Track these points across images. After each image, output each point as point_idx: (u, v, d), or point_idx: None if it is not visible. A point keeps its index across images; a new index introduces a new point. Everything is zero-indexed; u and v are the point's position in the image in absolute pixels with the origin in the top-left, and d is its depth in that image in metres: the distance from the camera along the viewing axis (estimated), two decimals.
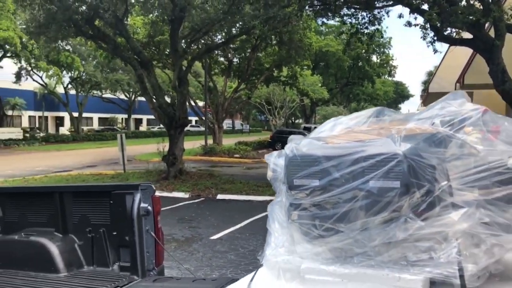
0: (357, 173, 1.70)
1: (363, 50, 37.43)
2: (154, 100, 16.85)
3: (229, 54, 28.83)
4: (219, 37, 23.21)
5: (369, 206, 1.69)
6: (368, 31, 15.99)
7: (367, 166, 1.68)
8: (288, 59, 24.98)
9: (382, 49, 44.48)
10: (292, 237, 1.91)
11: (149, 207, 3.58)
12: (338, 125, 2.08)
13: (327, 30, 50.48)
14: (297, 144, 1.91)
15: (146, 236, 3.60)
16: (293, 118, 67.95)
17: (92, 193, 4.16)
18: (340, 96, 59.02)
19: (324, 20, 19.02)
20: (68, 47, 39.25)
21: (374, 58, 45.01)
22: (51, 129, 59.54)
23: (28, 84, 49.41)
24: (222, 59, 30.56)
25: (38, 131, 51.77)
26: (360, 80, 48.48)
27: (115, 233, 3.71)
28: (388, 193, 1.64)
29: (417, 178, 1.62)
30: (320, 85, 45.19)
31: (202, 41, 21.99)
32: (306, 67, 35.88)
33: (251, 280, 1.94)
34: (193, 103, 31.20)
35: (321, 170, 1.77)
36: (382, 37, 33.70)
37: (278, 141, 31.22)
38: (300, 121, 66.73)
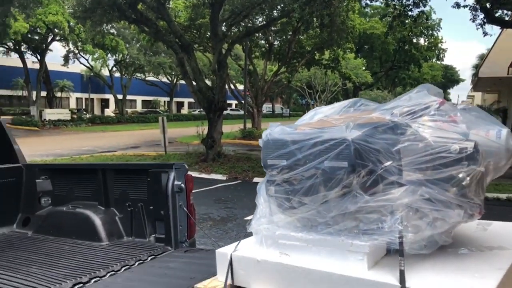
0: (315, 155, 2.00)
1: (409, 33, 36.26)
2: (194, 84, 17.12)
3: (270, 37, 28.62)
4: (260, 19, 23.18)
5: (326, 182, 1.98)
6: (413, 13, 15.56)
7: (323, 149, 1.98)
8: (330, 42, 24.41)
9: (430, 32, 42.93)
10: (270, 209, 2.26)
11: (182, 185, 3.90)
12: (318, 114, 2.39)
13: (372, 12, 49.42)
14: (271, 130, 2.24)
15: (179, 211, 3.93)
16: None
17: (131, 171, 4.57)
18: (385, 80, 57.47)
19: (368, 1, 18.56)
20: (112, 31, 40.26)
21: (422, 41, 43.57)
22: (97, 111, 61.45)
23: (75, 67, 51.06)
24: (262, 42, 30.39)
25: (84, 112, 53.61)
26: (406, 64, 47.08)
27: (151, 207, 4.09)
28: (338, 172, 1.94)
29: (362, 160, 1.91)
30: (363, 68, 44.35)
31: (242, 24, 21.96)
32: (349, 50, 35.11)
33: (237, 244, 2.28)
34: (232, 87, 31.35)
35: (288, 152, 2.09)
36: (427, 19, 32.58)
37: None
38: None
